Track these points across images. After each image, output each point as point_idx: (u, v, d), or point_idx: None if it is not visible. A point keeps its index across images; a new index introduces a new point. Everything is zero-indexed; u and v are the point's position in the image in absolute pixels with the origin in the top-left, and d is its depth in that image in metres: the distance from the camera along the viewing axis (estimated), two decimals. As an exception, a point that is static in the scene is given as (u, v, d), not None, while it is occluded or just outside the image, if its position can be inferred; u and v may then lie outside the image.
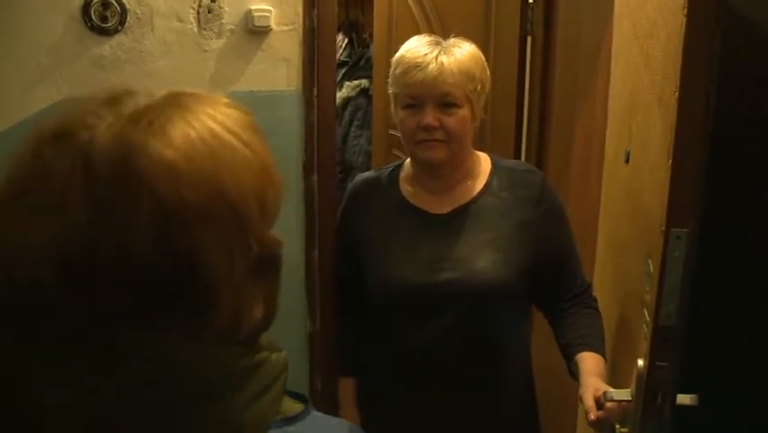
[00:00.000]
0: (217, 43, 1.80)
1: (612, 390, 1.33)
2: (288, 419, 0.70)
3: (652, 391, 1.17)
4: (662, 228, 1.10)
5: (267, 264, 0.70)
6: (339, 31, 3.88)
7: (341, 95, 3.70)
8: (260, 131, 0.70)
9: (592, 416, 1.34)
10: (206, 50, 1.79)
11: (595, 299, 1.69)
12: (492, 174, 1.67)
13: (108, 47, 1.72)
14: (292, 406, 0.72)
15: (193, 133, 0.64)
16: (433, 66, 1.53)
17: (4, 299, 0.63)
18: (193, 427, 0.63)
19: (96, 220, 0.60)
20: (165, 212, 0.61)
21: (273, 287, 0.72)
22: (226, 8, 1.79)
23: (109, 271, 0.61)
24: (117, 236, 0.60)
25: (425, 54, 1.55)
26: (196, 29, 1.77)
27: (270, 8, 1.81)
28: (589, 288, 1.71)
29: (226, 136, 0.66)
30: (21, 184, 0.64)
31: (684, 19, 1.02)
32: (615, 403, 1.32)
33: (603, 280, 1.84)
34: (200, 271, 0.63)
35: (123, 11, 1.70)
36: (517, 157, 2.53)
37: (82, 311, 0.61)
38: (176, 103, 0.67)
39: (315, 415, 0.74)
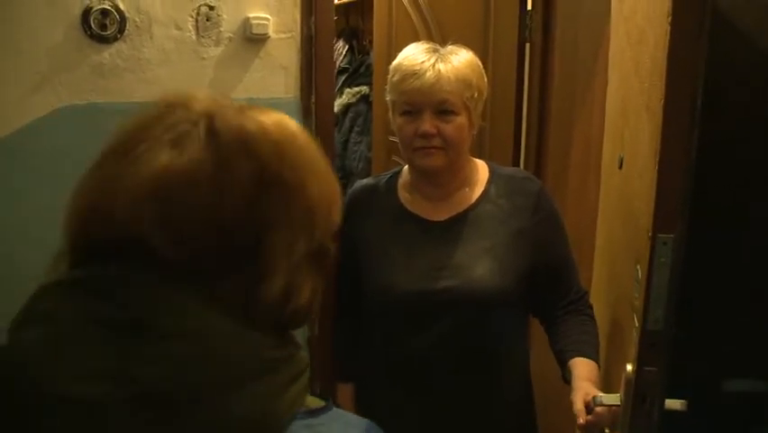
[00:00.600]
0: (215, 51, 1.82)
1: (602, 394, 1.33)
2: (312, 411, 0.73)
3: (640, 395, 1.17)
4: (649, 234, 1.11)
5: (321, 258, 0.77)
6: (339, 38, 3.90)
7: (341, 101, 3.71)
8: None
9: (581, 420, 1.35)
10: (205, 58, 1.81)
11: (591, 307, 1.69)
12: (490, 182, 1.67)
13: (107, 54, 1.74)
14: (315, 401, 0.75)
15: (296, 130, 0.75)
16: (430, 73, 1.53)
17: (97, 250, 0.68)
18: (234, 404, 0.65)
19: (207, 161, 0.67)
20: (264, 178, 0.69)
21: (320, 280, 0.78)
22: (224, 16, 1.81)
23: (198, 216, 0.67)
24: (219, 180, 0.67)
25: (423, 62, 1.55)
26: (194, 37, 1.79)
27: (268, 16, 1.83)
28: (585, 295, 1.71)
29: (314, 146, 0.77)
30: (136, 137, 0.69)
31: (668, 26, 1.03)
32: (605, 408, 1.32)
33: (599, 287, 1.84)
34: (268, 238, 0.69)
35: (123, 19, 1.73)
36: (516, 163, 2.54)
37: (154, 268, 0.66)
38: (273, 109, 0.76)
39: (337, 411, 0.77)
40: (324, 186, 0.76)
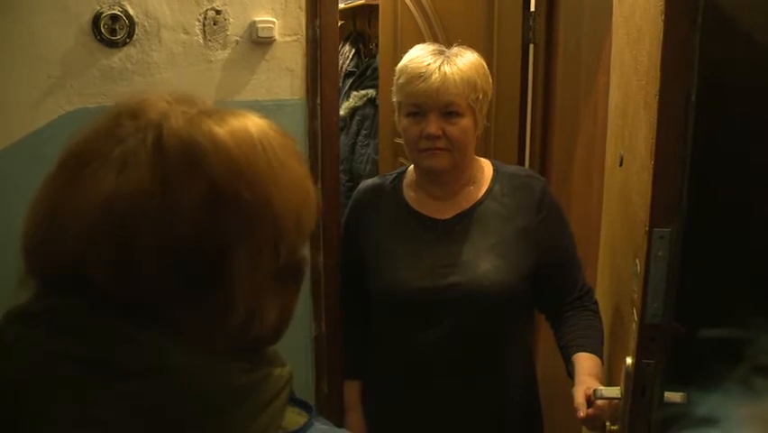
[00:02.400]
0: (222, 54, 1.85)
1: (602, 387, 1.35)
2: None
3: (639, 388, 1.19)
4: (646, 228, 1.12)
5: (291, 275, 0.72)
6: (346, 42, 3.92)
7: (348, 104, 3.73)
8: (302, 156, 0.75)
9: (581, 413, 1.36)
10: (212, 61, 1.84)
11: (595, 303, 1.71)
12: (494, 180, 1.69)
13: (117, 59, 1.77)
14: (295, 418, 0.72)
15: (256, 139, 0.68)
16: (436, 76, 1.55)
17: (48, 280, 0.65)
18: None
19: (153, 186, 0.62)
20: (218, 200, 0.63)
21: (291, 299, 0.74)
22: (231, 20, 1.83)
23: (148, 243, 0.62)
24: (167, 206, 0.62)
25: (429, 64, 1.56)
26: (201, 40, 1.82)
27: (274, 19, 1.86)
28: (590, 291, 1.72)
29: (280, 152, 0.69)
30: (87, 152, 0.65)
31: (662, 24, 1.05)
32: (605, 401, 1.34)
33: (603, 283, 1.86)
34: (227, 264, 0.64)
35: (132, 24, 1.76)
36: (521, 163, 2.55)
37: (105, 304, 0.62)
38: (239, 112, 0.71)
39: (318, 428, 0.73)
40: (292, 194, 0.69)
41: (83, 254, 0.63)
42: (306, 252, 0.74)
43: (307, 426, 0.72)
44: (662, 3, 1.06)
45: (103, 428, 0.60)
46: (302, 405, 0.74)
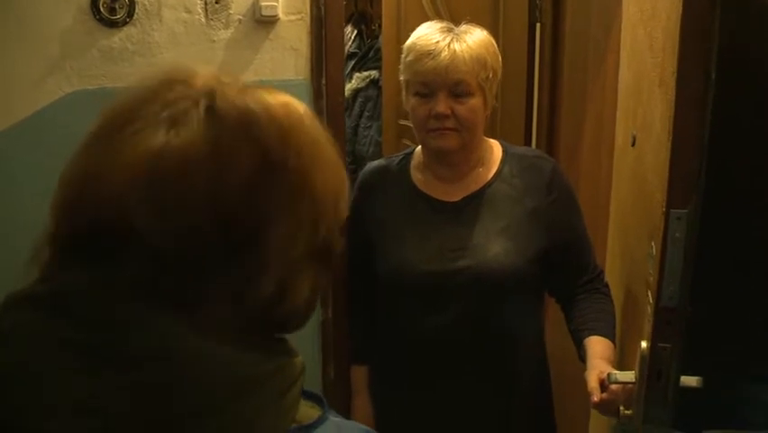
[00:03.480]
0: (225, 34, 1.82)
1: (616, 372, 1.32)
2: (304, 427, 0.68)
3: (655, 372, 1.16)
4: (663, 209, 1.10)
5: (325, 256, 0.71)
6: (348, 22, 3.87)
7: (351, 86, 3.69)
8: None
9: (595, 398, 1.34)
10: (214, 41, 1.81)
11: (607, 285, 1.68)
12: (503, 161, 1.66)
13: (117, 39, 1.74)
14: (308, 412, 0.70)
15: (303, 113, 0.69)
16: (445, 54, 1.51)
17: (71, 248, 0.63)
18: (212, 430, 0.60)
19: (205, 145, 0.62)
20: (268, 165, 0.63)
21: (322, 281, 0.72)
22: (233, -2, 1.80)
23: (192, 202, 0.61)
24: (217, 166, 0.62)
25: (437, 41, 1.53)
26: (203, 20, 1.79)
27: (277, -3, 1.83)
28: (601, 274, 1.70)
29: (321, 132, 0.71)
30: (130, 113, 0.64)
31: (681, -2, 1.02)
32: (619, 386, 1.31)
33: (613, 265, 1.84)
34: (269, 231, 0.63)
35: (132, 3, 1.72)
36: (528, 143, 2.53)
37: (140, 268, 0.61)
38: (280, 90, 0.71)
39: (332, 421, 0.71)
40: (331, 176, 0.70)
41: (125, 206, 0.61)
42: (340, 238, 0.73)
43: (321, 420, 0.70)
44: (681, -24, 1.03)
45: (103, 419, 0.58)
46: (314, 398, 0.73)
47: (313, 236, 0.68)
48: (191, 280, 0.62)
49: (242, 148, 0.63)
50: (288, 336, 0.72)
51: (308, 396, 0.72)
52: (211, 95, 0.64)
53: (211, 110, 0.63)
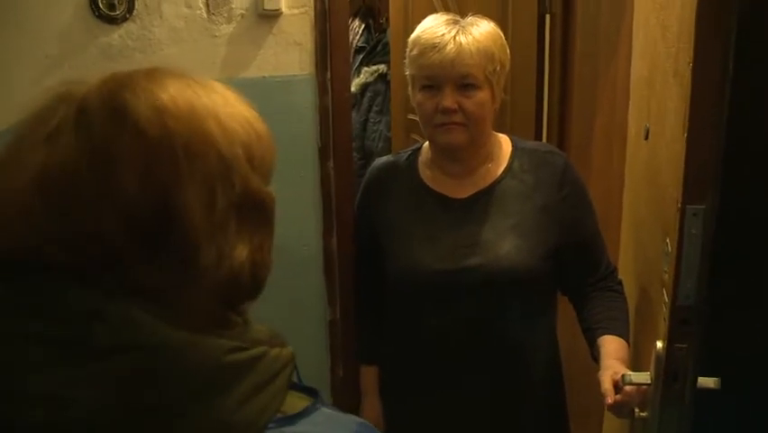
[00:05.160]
0: (227, 29, 1.78)
1: (631, 373, 1.29)
2: (289, 417, 0.66)
3: (671, 373, 1.13)
4: (679, 205, 1.06)
5: (254, 208, 0.69)
6: (356, 16, 3.85)
7: (359, 81, 3.67)
8: (254, 108, 0.73)
9: (609, 400, 1.31)
10: (216, 36, 1.77)
11: (620, 283, 1.65)
12: (513, 156, 1.63)
13: (117, 36, 1.70)
14: (296, 403, 0.68)
15: (187, 78, 0.68)
16: (451, 46, 1.48)
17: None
18: (189, 421, 0.60)
19: (80, 151, 0.61)
20: (148, 144, 0.62)
21: (262, 238, 0.70)
22: (235, -8, 1.76)
23: (92, 209, 0.60)
24: (99, 165, 0.61)
25: (443, 34, 1.50)
26: (205, 15, 1.75)
27: (280, -9, 1.79)
28: (614, 271, 1.67)
29: (221, 93, 0.69)
30: (18, 138, 0.64)
31: (697, -15, 0.97)
32: (633, 387, 1.28)
33: (626, 262, 1.80)
34: (179, 205, 0.62)
35: (131, -2, 1.69)
36: (539, 137, 2.49)
37: (66, 277, 0.61)
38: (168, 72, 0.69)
39: (322, 412, 0.70)
40: (234, 126, 0.67)
41: (32, 237, 0.61)
42: (269, 188, 0.71)
43: (309, 410, 0.69)
44: (696, -38, 0.98)
45: (78, 410, 0.58)
46: (308, 391, 0.71)
47: (230, 192, 0.65)
48: (132, 277, 0.62)
49: (117, 140, 0.61)
50: (289, 336, 0.71)
51: (302, 389, 0.71)
52: (83, 102, 0.63)
53: (80, 111, 0.63)
